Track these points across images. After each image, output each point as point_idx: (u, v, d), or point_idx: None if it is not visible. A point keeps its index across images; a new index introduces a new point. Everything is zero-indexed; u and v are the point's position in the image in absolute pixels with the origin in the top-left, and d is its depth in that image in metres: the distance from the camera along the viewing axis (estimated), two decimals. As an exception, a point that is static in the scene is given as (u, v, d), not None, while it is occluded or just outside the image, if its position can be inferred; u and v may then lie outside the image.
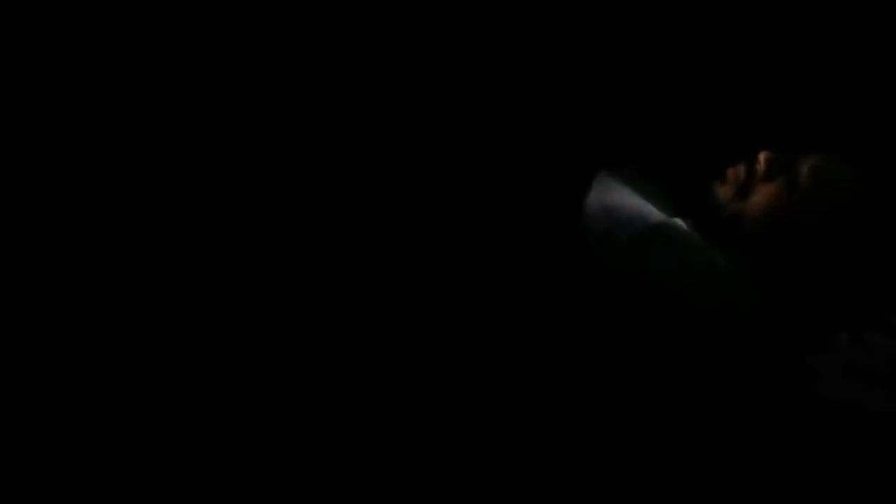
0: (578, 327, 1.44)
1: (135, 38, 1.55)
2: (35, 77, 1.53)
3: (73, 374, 1.43)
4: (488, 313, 1.46)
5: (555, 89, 1.64)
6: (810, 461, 1.38)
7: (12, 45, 1.53)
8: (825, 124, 1.72)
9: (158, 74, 1.55)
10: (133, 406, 1.42)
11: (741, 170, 1.61)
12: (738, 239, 1.56)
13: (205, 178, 1.52)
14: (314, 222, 1.51)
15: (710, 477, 1.38)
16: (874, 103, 1.76)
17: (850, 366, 1.43)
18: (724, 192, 1.62)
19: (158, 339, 1.45)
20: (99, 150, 1.52)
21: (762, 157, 1.59)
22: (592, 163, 1.60)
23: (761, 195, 1.58)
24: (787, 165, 1.58)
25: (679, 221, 1.55)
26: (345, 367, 1.44)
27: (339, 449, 1.40)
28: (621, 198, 1.56)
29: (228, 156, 1.54)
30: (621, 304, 1.45)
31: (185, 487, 1.38)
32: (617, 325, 1.44)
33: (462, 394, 1.42)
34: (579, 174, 1.57)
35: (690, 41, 1.77)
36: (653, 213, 1.54)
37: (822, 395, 1.42)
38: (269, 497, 1.39)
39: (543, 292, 1.47)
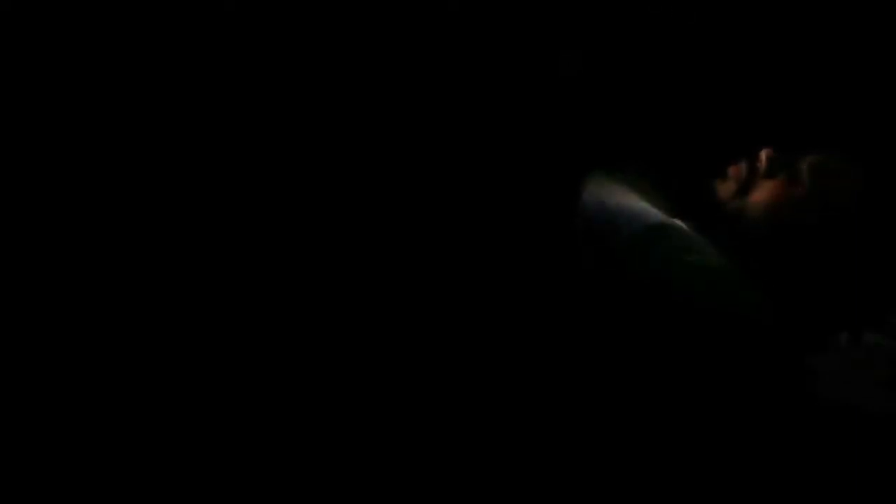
0: (577, 327, 1.44)
1: (135, 38, 1.55)
2: (35, 77, 1.53)
3: (73, 374, 1.43)
4: (486, 313, 1.46)
5: (555, 89, 1.64)
6: (810, 461, 1.38)
7: (12, 45, 1.53)
8: (825, 124, 1.72)
9: (158, 74, 1.55)
10: (133, 406, 1.42)
11: (742, 167, 1.61)
12: (739, 238, 1.56)
13: (205, 178, 1.52)
14: (313, 221, 1.51)
15: (710, 477, 1.38)
16: (874, 103, 1.76)
17: (850, 366, 1.43)
18: (724, 189, 1.62)
19: (158, 338, 1.45)
20: (99, 150, 1.52)
21: (763, 154, 1.59)
22: (592, 163, 1.60)
23: (762, 193, 1.58)
24: (788, 164, 1.58)
25: (679, 222, 1.55)
26: (344, 366, 1.44)
27: (339, 449, 1.40)
28: (620, 198, 1.56)
29: (228, 156, 1.54)
30: (620, 304, 1.45)
31: (186, 487, 1.38)
32: (616, 326, 1.44)
33: (461, 393, 1.42)
34: (579, 174, 1.57)
35: (690, 41, 1.77)
36: (652, 213, 1.54)
37: (822, 395, 1.42)
38: (269, 497, 1.39)
39: (542, 292, 1.47)
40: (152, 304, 1.47)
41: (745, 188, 1.60)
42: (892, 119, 1.73)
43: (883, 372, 1.42)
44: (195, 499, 1.38)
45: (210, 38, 1.57)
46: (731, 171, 1.62)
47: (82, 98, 1.53)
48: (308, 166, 1.54)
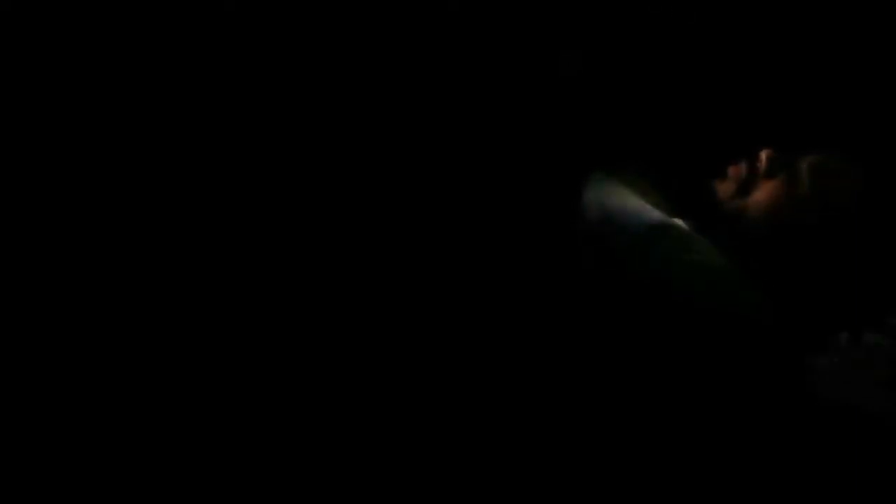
0: (577, 327, 1.44)
1: (135, 38, 1.55)
2: (35, 77, 1.53)
3: (73, 374, 1.43)
4: (486, 314, 1.46)
5: (555, 89, 1.64)
6: (810, 461, 1.38)
7: (12, 45, 1.53)
8: (825, 124, 1.72)
9: (158, 74, 1.55)
10: (133, 406, 1.42)
11: (742, 167, 1.61)
12: (739, 238, 1.56)
13: (205, 178, 1.53)
14: (314, 223, 1.51)
15: (710, 477, 1.38)
16: (874, 103, 1.76)
17: (850, 366, 1.43)
18: (724, 189, 1.62)
19: (158, 339, 1.45)
20: (99, 150, 1.52)
21: (763, 154, 1.59)
22: (592, 163, 1.60)
23: (762, 193, 1.58)
24: (788, 164, 1.58)
25: (679, 221, 1.55)
26: (344, 367, 1.44)
27: (340, 449, 1.40)
28: (621, 198, 1.56)
29: (228, 156, 1.54)
30: (621, 303, 1.45)
31: (185, 487, 1.38)
32: (616, 325, 1.44)
33: (462, 395, 1.42)
34: (579, 174, 1.57)
35: (690, 41, 1.77)
36: (652, 213, 1.54)
37: (822, 395, 1.42)
38: (269, 497, 1.39)
39: (542, 293, 1.47)
40: (152, 304, 1.47)
41: (745, 188, 1.60)
42: (892, 119, 1.73)
43: (883, 372, 1.42)
44: (195, 499, 1.39)
45: (210, 38, 1.57)
46: (731, 171, 1.62)
47: (82, 98, 1.53)
48: (309, 167, 1.54)
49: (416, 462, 1.39)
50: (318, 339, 1.45)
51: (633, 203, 1.55)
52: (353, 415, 1.42)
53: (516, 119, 1.60)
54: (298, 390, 1.43)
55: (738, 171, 1.61)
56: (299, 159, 1.54)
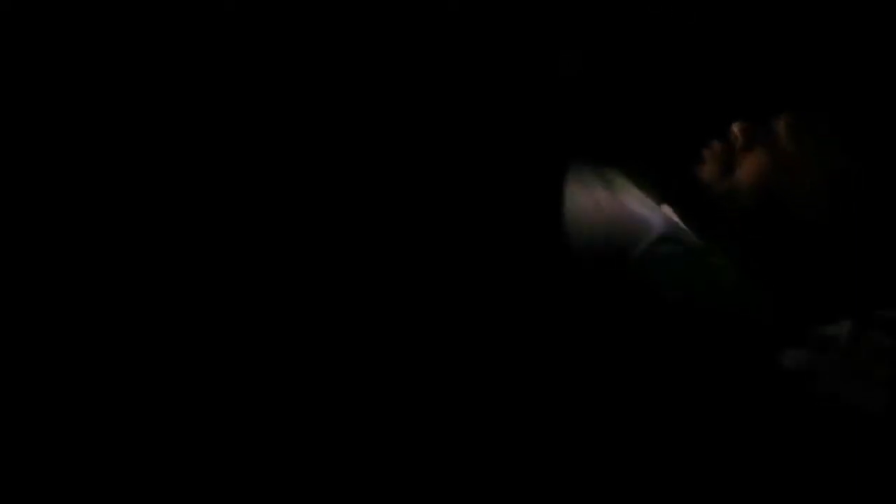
0: (576, 327, 1.44)
1: (135, 38, 1.55)
2: (35, 77, 1.53)
3: (74, 374, 1.43)
4: (486, 313, 1.46)
5: (555, 89, 1.64)
6: (810, 461, 1.38)
7: (12, 45, 1.53)
8: (790, 89, 1.71)
9: (158, 74, 1.55)
10: (133, 406, 1.42)
11: (717, 147, 1.59)
12: (735, 216, 1.55)
13: (205, 178, 1.53)
14: (313, 222, 1.51)
15: (710, 477, 1.38)
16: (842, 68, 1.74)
17: (850, 366, 1.43)
18: (707, 172, 1.60)
19: (158, 339, 1.45)
20: (99, 150, 1.52)
21: (735, 128, 1.57)
22: (592, 162, 1.60)
23: (746, 165, 1.56)
24: (763, 130, 1.57)
25: (677, 221, 1.54)
26: (342, 368, 1.44)
27: (338, 449, 1.40)
28: (619, 198, 1.55)
29: (228, 155, 1.54)
30: (619, 305, 1.45)
31: (185, 488, 1.38)
32: (615, 326, 1.44)
33: (461, 397, 1.42)
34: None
35: (690, 41, 1.77)
36: (652, 213, 1.54)
37: (822, 394, 1.42)
38: (269, 497, 1.39)
39: (542, 292, 1.47)
40: (152, 304, 1.47)
41: (727, 166, 1.58)
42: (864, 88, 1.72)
43: (883, 372, 1.42)
44: (195, 499, 1.39)
45: (210, 38, 1.57)
46: (708, 153, 1.60)
47: (83, 98, 1.53)
48: (308, 166, 1.54)
49: (417, 462, 1.39)
50: (312, 338, 1.45)
51: (632, 203, 1.55)
52: (352, 416, 1.42)
53: (516, 119, 1.60)
54: (297, 390, 1.43)
55: (715, 150, 1.59)
56: (298, 158, 1.55)
